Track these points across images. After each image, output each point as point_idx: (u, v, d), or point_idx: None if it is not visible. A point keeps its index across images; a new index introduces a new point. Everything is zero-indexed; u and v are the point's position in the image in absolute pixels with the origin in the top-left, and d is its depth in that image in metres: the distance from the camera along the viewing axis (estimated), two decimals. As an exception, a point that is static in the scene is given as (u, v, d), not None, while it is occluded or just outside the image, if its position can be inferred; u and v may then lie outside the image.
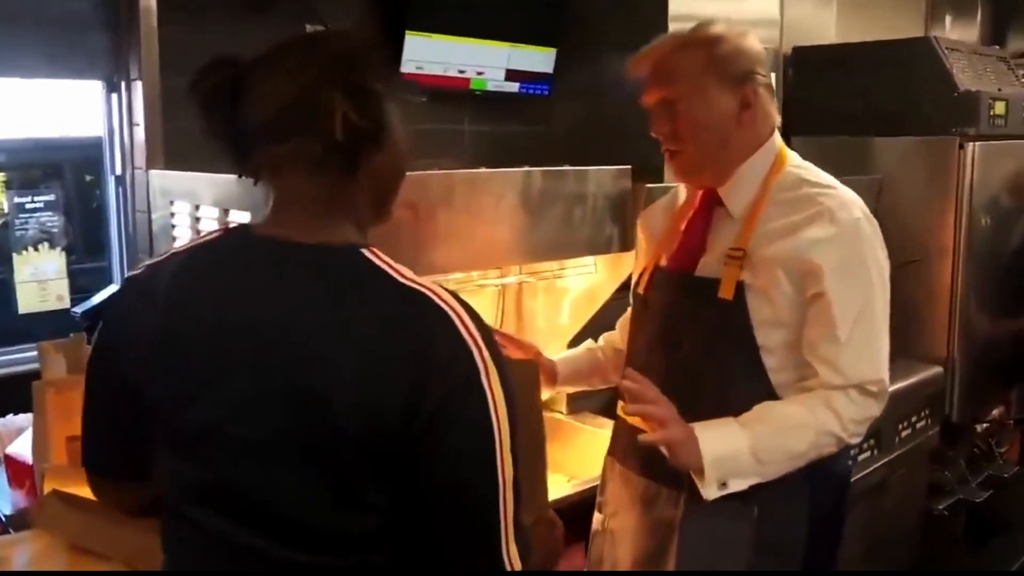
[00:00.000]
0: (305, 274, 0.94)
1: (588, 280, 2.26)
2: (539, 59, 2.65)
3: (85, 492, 1.39)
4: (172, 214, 1.93)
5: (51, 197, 2.33)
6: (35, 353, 1.83)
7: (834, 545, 1.60)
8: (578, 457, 2.16)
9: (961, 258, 2.63)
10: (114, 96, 2.22)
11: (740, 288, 1.44)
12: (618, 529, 1.65)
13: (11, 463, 1.76)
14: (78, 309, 2.13)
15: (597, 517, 1.73)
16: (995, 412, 2.98)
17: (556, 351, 2.19)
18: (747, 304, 1.44)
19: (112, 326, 1.06)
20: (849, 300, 1.41)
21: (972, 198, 2.62)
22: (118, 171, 2.27)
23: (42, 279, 2.29)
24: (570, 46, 2.68)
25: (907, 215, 2.68)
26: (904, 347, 2.65)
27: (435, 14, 2.38)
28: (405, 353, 0.88)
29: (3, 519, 1.71)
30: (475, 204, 1.81)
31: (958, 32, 3.92)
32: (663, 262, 1.60)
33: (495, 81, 2.57)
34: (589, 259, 2.20)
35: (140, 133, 2.14)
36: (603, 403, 2.27)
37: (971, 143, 2.60)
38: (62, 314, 2.26)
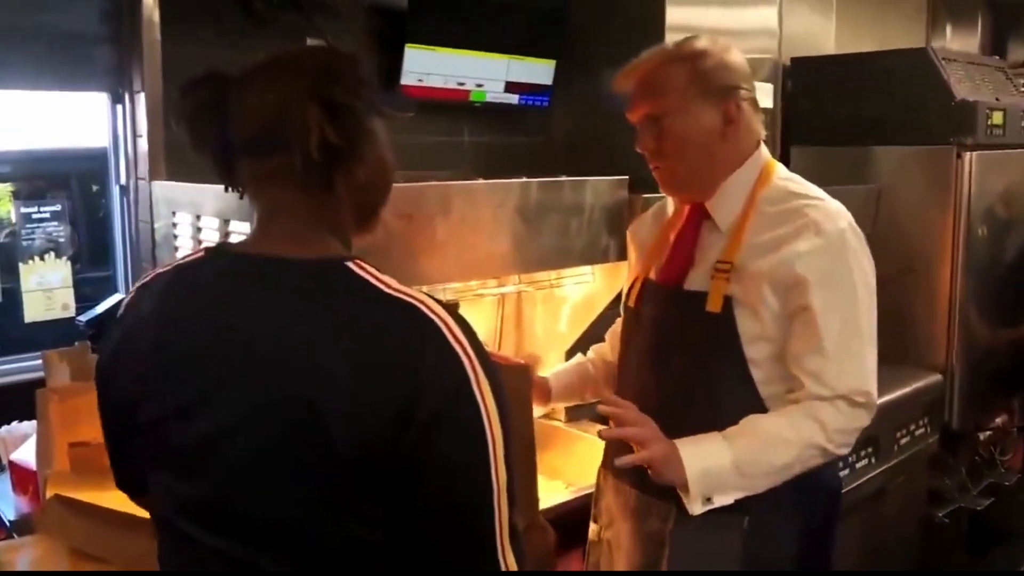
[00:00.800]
0: (291, 288, 0.94)
1: (586, 289, 2.28)
2: (539, 71, 2.66)
3: (86, 497, 1.42)
4: (174, 224, 1.95)
5: (57, 207, 2.36)
6: (41, 361, 1.86)
7: (825, 558, 1.59)
8: (576, 464, 2.17)
9: (959, 266, 2.64)
10: (119, 108, 2.26)
11: (728, 302, 1.45)
12: (613, 540, 1.66)
13: (15, 469, 1.79)
14: (83, 318, 2.16)
15: (593, 527, 1.73)
16: (998, 420, 2.97)
17: (555, 360, 2.21)
18: (735, 317, 1.45)
19: (109, 349, 1.06)
20: (834, 312, 1.41)
21: (970, 207, 2.63)
22: (123, 181, 2.29)
23: (48, 288, 2.32)
24: (569, 58, 2.70)
25: (905, 224, 2.69)
26: (903, 354, 2.67)
27: (435, 26, 2.40)
28: (395, 363, 0.88)
29: (7, 524, 1.73)
30: (473, 215, 1.83)
31: (959, 42, 3.93)
32: (652, 275, 1.61)
33: (495, 93, 2.59)
34: (587, 268, 2.22)
35: (143, 144, 2.17)
36: (601, 411, 2.29)
37: (969, 152, 2.61)
38: (68, 322, 2.29)
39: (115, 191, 2.33)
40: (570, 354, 2.13)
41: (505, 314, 2.40)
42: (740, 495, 1.40)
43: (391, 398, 0.87)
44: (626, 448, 1.44)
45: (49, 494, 1.47)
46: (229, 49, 2.05)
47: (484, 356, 0.93)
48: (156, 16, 2.07)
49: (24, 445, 1.82)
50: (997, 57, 3.45)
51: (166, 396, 0.96)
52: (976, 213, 2.65)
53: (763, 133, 1.56)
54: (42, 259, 2.33)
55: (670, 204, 1.68)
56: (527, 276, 2.22)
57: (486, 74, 2.55)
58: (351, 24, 2.33)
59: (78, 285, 2.36)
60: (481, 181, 1.96)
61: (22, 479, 1.77)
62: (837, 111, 2.88)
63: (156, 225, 2.09)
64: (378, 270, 0.96)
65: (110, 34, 2.18)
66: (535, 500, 1.29)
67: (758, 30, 2.83)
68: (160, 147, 2.12)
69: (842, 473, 2.14)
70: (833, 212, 1.46)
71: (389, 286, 0.94)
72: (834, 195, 1.52)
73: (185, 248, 1.87)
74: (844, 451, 1.46)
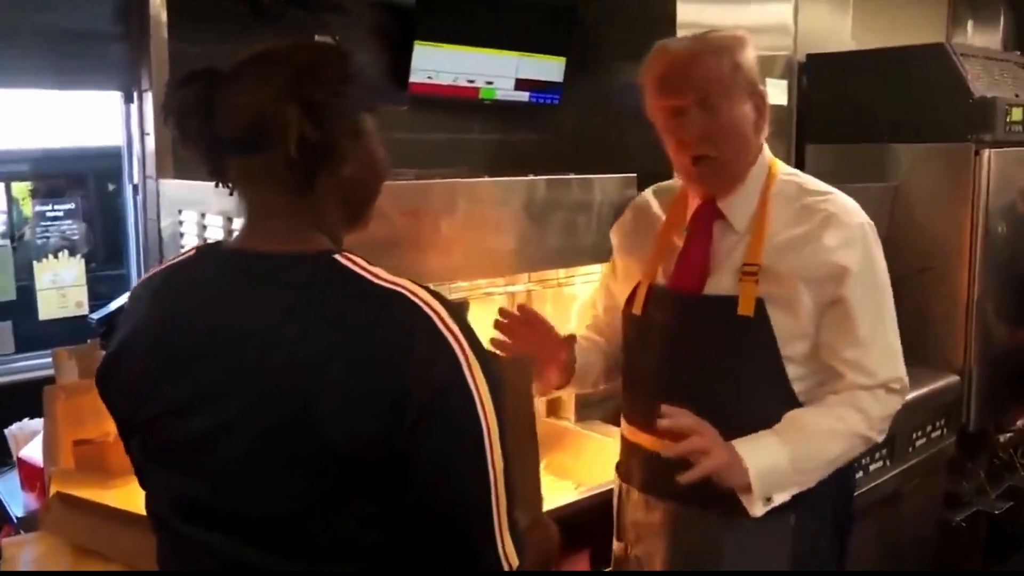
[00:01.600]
0: (281, 284, 0.95)
1: (595, 288, 2.26)
2: (549, 68, 2.65)
3: (90, 495, 1.43)
4: (180, 222, 1.95)
5: (71, 205, 2.37)
6: (52, 359, 1.87)
7: (843, 555, 1.59)
8: (586, 465, 2.15)
9: (977, 265, 2.61)
10: (132, 107, 2.26)
11: (760, 304, 1.43)
12: (644, 557, 1.62)
13: (24, 466, 1.79)
14: (94, 315, 2.17)
15: (618, 545, 1.70)
16: (1019, 422, 2.93)
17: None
18: (769, 319, 1.43)
19: (109, 350, 1.07)
20: (867, 301, 1.43)
21: (988, 205, 2.59)
22: (136, 180, 2.31)
23: (61, 286, 2.34)
24: (579, 55, 2.68)
25: (923, 222, 2.66)
26: (920, 355, 2.61)
27: (444, 24, 2.39)
28: (386, 354, 0.88)
29: (15, 521, 1.74)
30: (480, 213, 1.82)
31: (980, 38, 3.86)
32: (660, 280, 1.57)
33: (504, 90, 2.58)
34: (596, 267, 2.20)
35: (151, 143, 2.18)
36: (611, 411, 2.27)
37: (987, 150, 2.57)
38: (81, 320, 2.30)
39: (129, 189, 2.34)
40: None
41: (514, 313, 2.39)
42: (795, 491, 1.41)
43: (383, 391, 0.87)
44: (663, 461, 1.39)
45: (53, 491, 1.47)
46: (237, 47, 2.01)
47: (477, 344, 0.92)
48: (164, 14, 2.07)
49: (33, 442, 1.83)
50: (1018, 52, 3.39)
51: (164, 394, 0.97)
52: (994, 211, 2.61)
53: (767, 131, 1.54)
54: (56, 257, 2.34)
55: (653, 205, 1.66)
56: (536, 275, 2.20)
57: (496, 72, 2.54)
58: (359, 21, 2.33)
59: (93, 283, 2.37)
60: (487, 179, 1.94)
61: (30, 476, 1.77)
62: (853, 108, 2.85)
63: (163, 223, 2.09)
64: (368, 262, 0.95)
65: (122, 33, 2.18)
66: (539, 496, 1.27)
67: (773, 26, 2.80)
68: (167, 146, 2.12)
69: (856, 475, 2.11)
70: (849, 207, 1.48)
71: (378, 276, 0.94)
72: (850, 193, 1.51)
73: (190, 246, 1.87)
74: (882, 437, 1.48)
